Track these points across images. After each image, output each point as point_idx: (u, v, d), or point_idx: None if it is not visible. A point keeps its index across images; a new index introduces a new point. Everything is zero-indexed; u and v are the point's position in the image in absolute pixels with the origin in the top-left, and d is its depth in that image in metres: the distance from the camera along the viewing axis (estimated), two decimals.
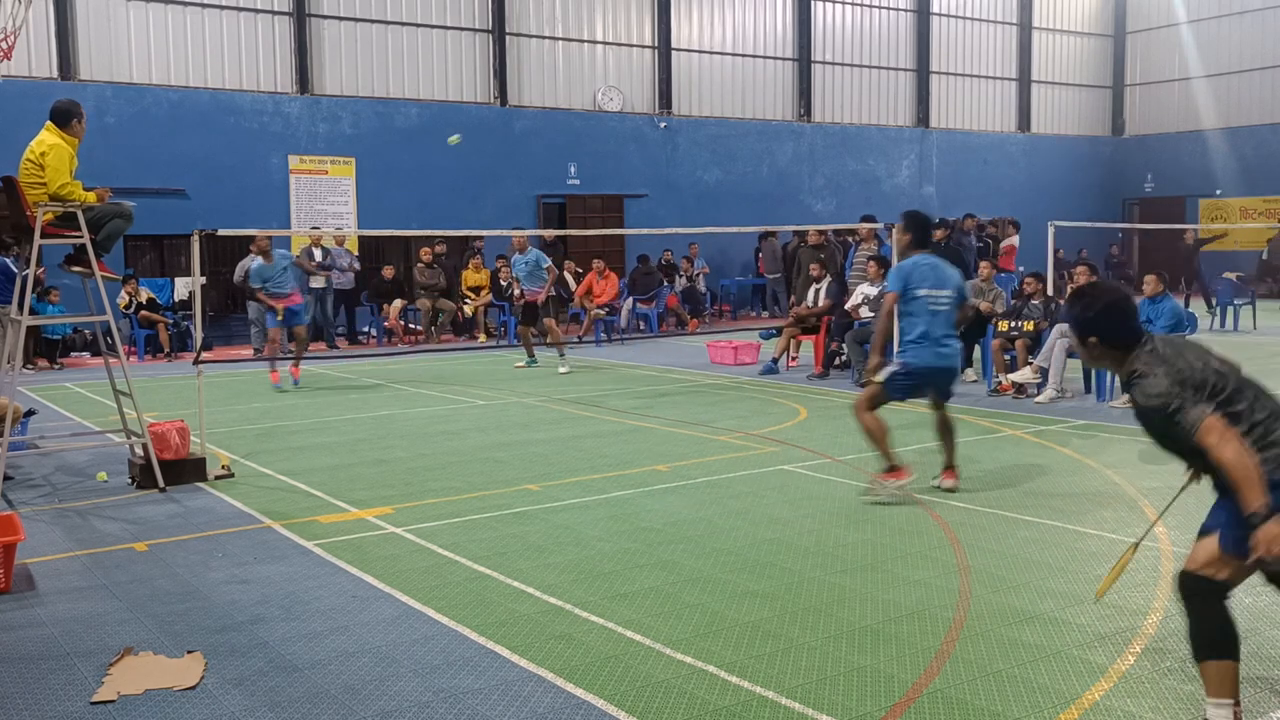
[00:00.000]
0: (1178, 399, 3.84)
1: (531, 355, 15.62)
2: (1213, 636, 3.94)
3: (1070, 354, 11.69)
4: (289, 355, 14.37)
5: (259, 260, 14.14)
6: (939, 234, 14.66)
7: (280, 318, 14.11)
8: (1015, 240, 22.65)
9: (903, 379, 7.52)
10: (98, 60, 19.31)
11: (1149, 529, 5.49)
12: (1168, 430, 3.92)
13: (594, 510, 7.27)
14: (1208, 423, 3.76)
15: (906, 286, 7.54)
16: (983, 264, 13.83)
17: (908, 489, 7.43)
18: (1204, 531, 4.07)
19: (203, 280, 9.42)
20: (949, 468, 7.73)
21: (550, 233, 19.60)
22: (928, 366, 7.50)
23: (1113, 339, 4.11)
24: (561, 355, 15.33)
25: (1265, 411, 3.86)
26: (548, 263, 15.33)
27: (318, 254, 18.97)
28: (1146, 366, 3.97)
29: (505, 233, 19.49)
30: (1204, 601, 3.99)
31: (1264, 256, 26.99)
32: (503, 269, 18.96)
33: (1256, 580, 5.59)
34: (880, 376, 7.50)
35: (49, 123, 7.90)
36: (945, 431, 7.71)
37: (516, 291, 15.55)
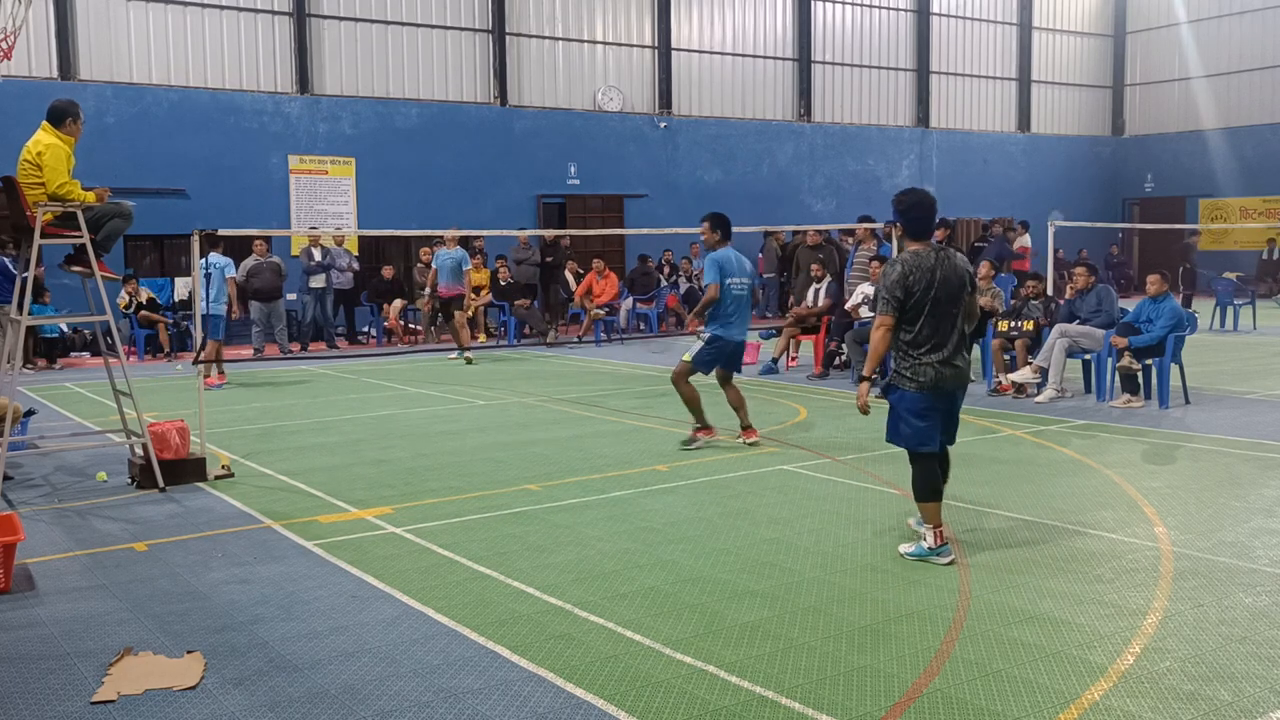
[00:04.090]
0: (888, 290, 5.94)
1: (464, 348, 16.45)
2: (929, 487, 6.03)
3: (1070, 354, 11.69)
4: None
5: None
6: (940, 234, 14.65)
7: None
8: (1027, 240, 22.80)
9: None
10: (98, 60, 19.31)
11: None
12: (876, 296, 6.16)
13: (594, 510, 7.27)
14: (883, 317, 5.97)
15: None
16: (983, 264, 13.81)
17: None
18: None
19: (203, 280, 9.42)
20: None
21: (551, 233, 19.60)
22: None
23: (909, 229, 6.10)
24: (461, 351, 16.43)
25: (924, 347, 5.94)
26: (469, 265, 16.77)
27: (316, 254, 18.98)
28: (902, 263, 5.96)
29: (505, 233, 19.55)
30: (923, 465, 6.06)
31: (1265, 256, 26.98)
32: (426, 264, 19.59)
33: (1256, 580, 5.60)
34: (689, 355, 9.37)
35: (45, 123, 7.89)
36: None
37: (430, 289, 16.71)
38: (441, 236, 17.15)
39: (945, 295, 5.93)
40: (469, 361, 16.06)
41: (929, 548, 5.98)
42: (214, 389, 13.86)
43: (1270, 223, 27.28)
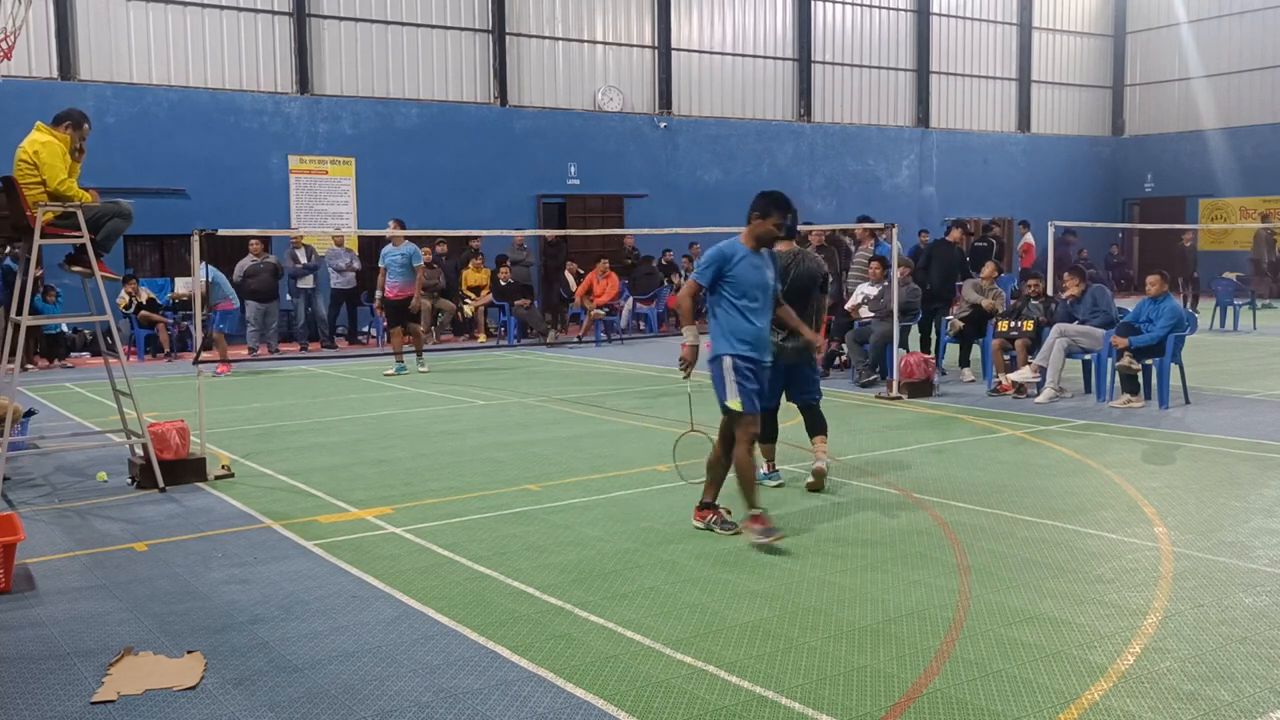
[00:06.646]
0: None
1: (401, 360, 15.31)
2: (762, 434, 7.21)
3: (1070, 354, 11.69)
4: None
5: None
6: (954, 234, 14.61)
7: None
8: (1030, 238, 22.84)
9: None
10: (98, 60, 19.31)
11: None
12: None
13: (594, 510, 7.27)
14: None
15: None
16: (988, 264, 13.81)
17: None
18: None
19: (203, 280, 9.42)
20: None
21: (551, 233, 19.60)
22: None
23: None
24: (420, 358, 15.51)
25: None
26: (419, 261, 15.47)
27: (301, 256, 19.01)
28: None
29: (505, 233, 19.54)
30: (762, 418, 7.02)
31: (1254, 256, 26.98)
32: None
33: (1256, 580, 5.60)
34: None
35: (39, 123, 7.88)
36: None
37: (379, 291, 15.48)
38: (424, 238, 16.80)
39: (799, 288, 7.48)
40: (400, 372, 15.09)
41: (763, 473, 7.59)
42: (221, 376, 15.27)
43: (1271, 223, 27.25)
